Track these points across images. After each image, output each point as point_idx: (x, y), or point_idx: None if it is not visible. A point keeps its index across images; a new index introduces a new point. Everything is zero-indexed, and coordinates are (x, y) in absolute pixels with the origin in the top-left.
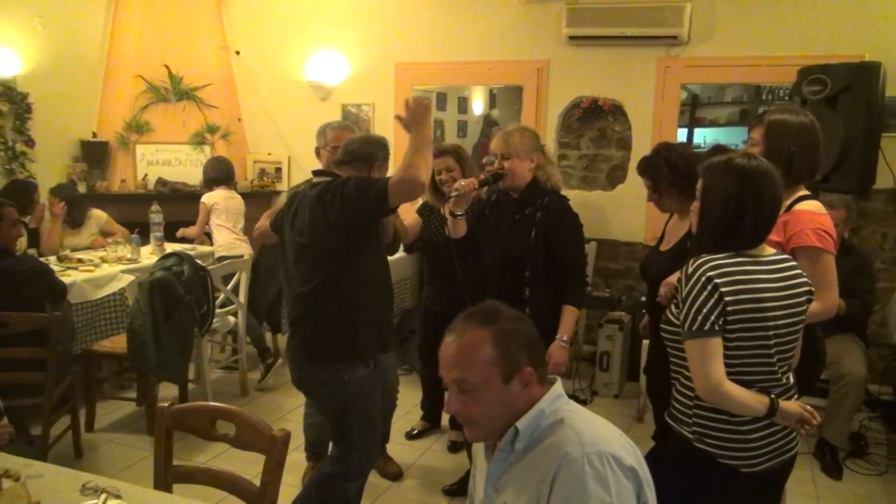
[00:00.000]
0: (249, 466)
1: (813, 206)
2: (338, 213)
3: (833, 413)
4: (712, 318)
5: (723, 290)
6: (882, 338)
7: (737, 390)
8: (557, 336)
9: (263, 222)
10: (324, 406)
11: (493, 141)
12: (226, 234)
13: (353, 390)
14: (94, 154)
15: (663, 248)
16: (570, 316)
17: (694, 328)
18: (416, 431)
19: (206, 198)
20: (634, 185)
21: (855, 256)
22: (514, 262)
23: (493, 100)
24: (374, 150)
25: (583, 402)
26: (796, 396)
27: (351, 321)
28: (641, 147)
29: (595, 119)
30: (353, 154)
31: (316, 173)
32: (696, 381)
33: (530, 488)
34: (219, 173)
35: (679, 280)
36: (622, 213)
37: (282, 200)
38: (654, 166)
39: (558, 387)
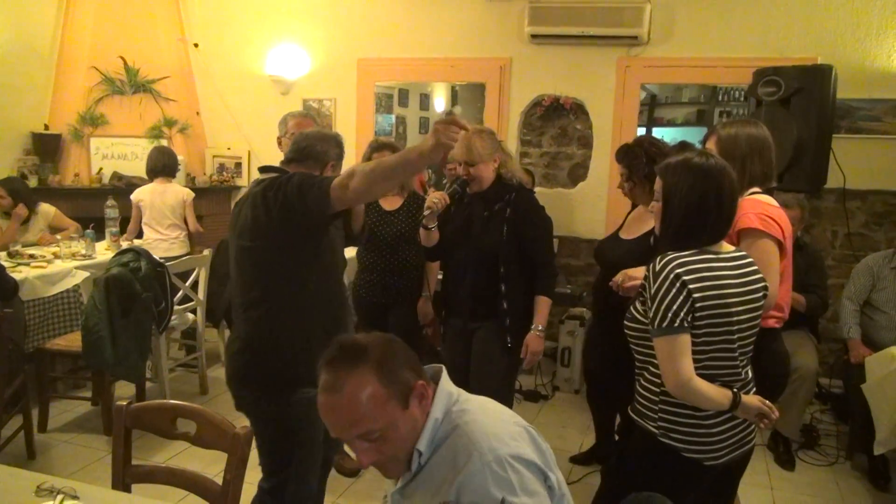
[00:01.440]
0: (211, 465)
1: (761, 197)
2: (279, 212)
3: (786, 406)
4: (681, 314)
5: (691, 286)
6: (832, 333)
7: (705, 385)
8: (533, 326)
9: None
10: (264, 432)
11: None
12: (149, 232)
13: (301, 414)
14: (46, 147)
15: (625, 235)
16: (544, 305)
17: (664, 325)
18: None
19: (134, 195)
20: (595, 183)
21: (807, 254)
22: (488, 259)
23: (455, 97)
24: (327, 148)
25: (544, 398)
26: (754, 390)
27: (300, 338)
28: (602, 145)
29: (557, 117)
30: (303, 151)
31: (262, 170)
32: (666, 377)
33: (437, 499)
34: (154, 164)
35: (646, 278)
36: (583, 210)
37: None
38: (633, 155)
39: (444, 383)
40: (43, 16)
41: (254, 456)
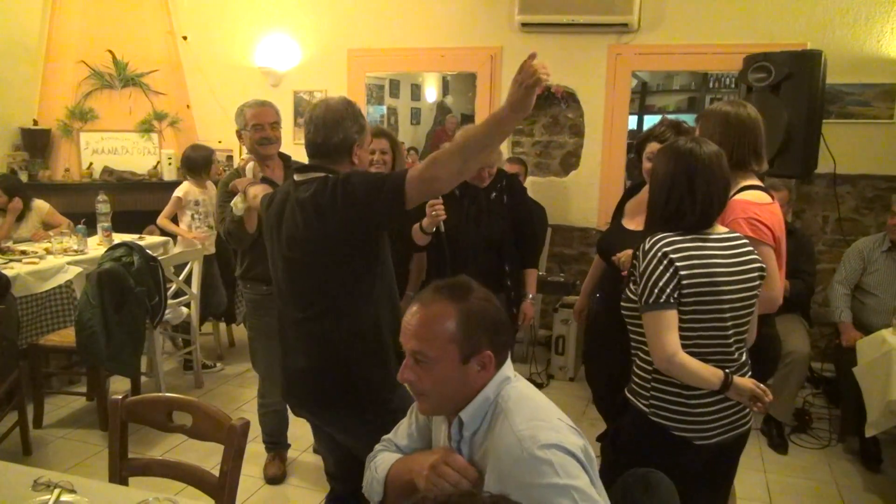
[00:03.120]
0: (207, 458)
1: (751, 195)
2: (341, 219)
3: (779, 390)
4: (668, 290)
5: (678, 264)
6: (824, 317)
7: (692, 362)
8: (530, 296)
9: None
10: (363, 440)
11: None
12: (204, 229)
13: (401, 408)
14: (36, 142)
15: (630, 226)
16: (533, 276)
17: (651, 301)
18: None
19: (182, 191)
20: (587, 171)
21: (797, 239)
22: (494, 243)
23: (446, 87)
24: (345, 131)
25: (539, 386)
26: (749, 374)
27: (374, 343)
28: (594, 134)
29: (548, 106)
30: (322, 148)
31: (299, 169)
32: (653, 351)
33: (490, 479)
34: (194, 162)
35: (635, 256)
36: (576, 199)
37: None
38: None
39: (506, 369)
40: (30, 10)
41: (249, 448)
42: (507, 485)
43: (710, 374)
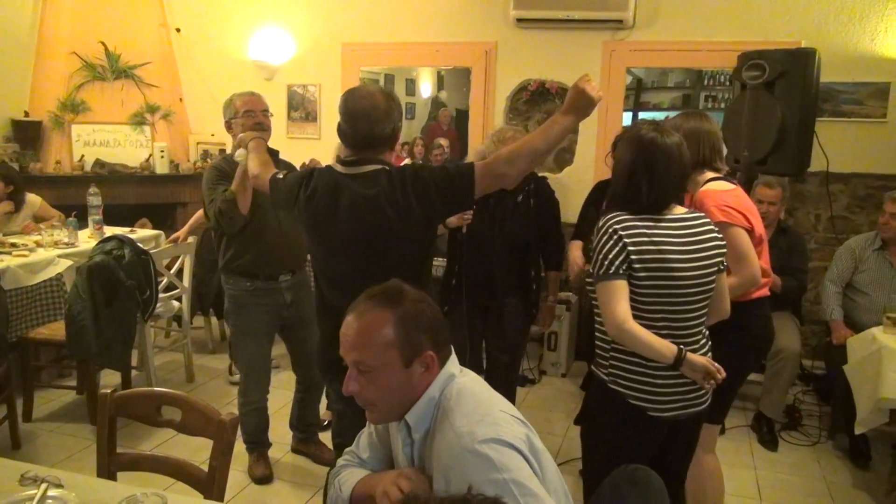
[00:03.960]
0: (197, 453)
1: (715, 185)
2: (415, 212)
3: (769, 387)
4: (617, 262)
5: (626, 240)
6: (815, 315)
7: (642, 331)
8: (551, 297)
9: (259, 171)
10: None
11: (500, 141)
12: None
13: None
14: (27, 134)
15: None
16: (556, 279)
17: (601, 272)
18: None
19: None
20: (581, 168)
21: (790, 237)
22: (517, 245)
23: (441, 82)
24: (393, 122)
25: (531, 382)
26: (710, 354)
27: None
28: (588, 130)
29: (543, 102)
30: (370, 139)
31: (347, 163)
32: (605, 320)
33: (438, 480)
34: None
35: (592, 236)
36: (569, 195)
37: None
38: None
39: (450, 366)
40: (21, 1)
41: (239, 444)
42: (451, 483)
43: (664, 346)
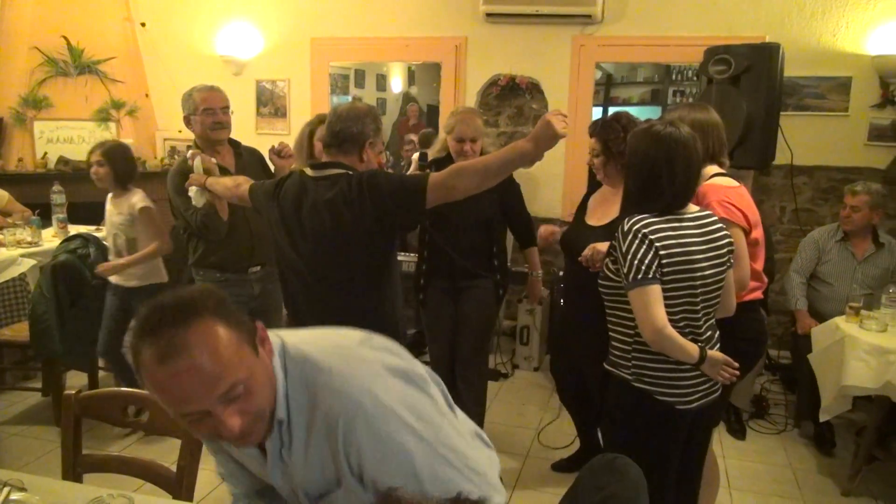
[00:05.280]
0: (166, 455)
1: (721, 180)
2: (368, 214)
3: (737, 378)
4: (653, 267)
5: (657, 244)
6: (781, 305)
7: (678, 336)
8: (534, 273)
9: (239, 191)
10: None
11: (456, 126)
12: None
13: None
14: None
15: (592, 222)
16: (536, 254)
17: (638, 277)
18: None
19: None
20: (552, 163)
21: None
22: (480, 224)
23: (412, 77)
24: (362, 126)
25: (504, 377)
26: (718, 347)
27: (396, 322)
28: None
29: (513, 97)
30: (339, 136)
31: (316, 166)
32: (642, 326)
33: (326, 462)
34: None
35: (616, 238)
36: (540, 189)
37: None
38: (611, 129)
39: (269, 334)
40: None
41: None
42: (365, 452)
43: (692, 348)
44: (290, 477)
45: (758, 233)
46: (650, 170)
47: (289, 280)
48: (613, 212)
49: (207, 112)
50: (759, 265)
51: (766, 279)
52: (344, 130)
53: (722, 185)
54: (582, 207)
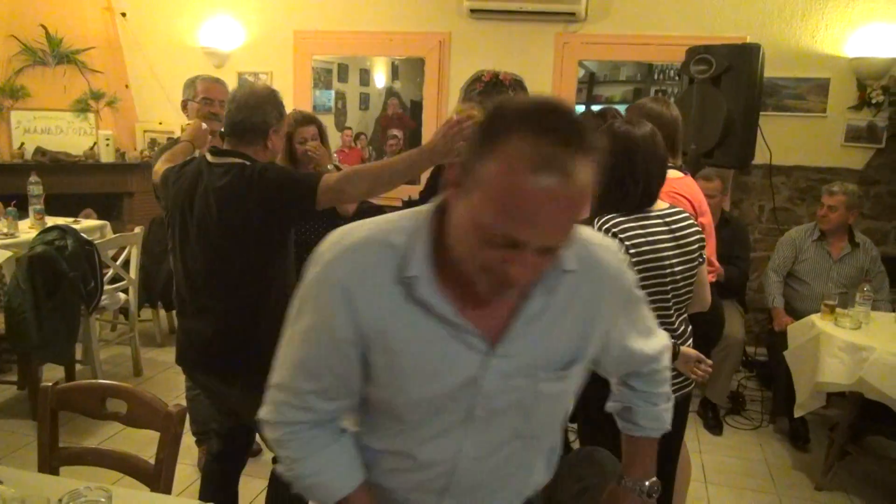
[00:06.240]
0: (144, 448)
1: (669, 173)
2: (255, 208)
3: (714, 374)
4: None
5: (627, 243)
6: (759, 303)
7: None
8: None
9: (159, 168)
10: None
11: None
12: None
13: None
14: None
15: None
16: None
17: None
18: None
19: None
20: None
21: (733, 227)
22: None
23: (395, 72)
24: (264, 115)
25: None
26: (690, 343)
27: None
28: None
29: (497, 93)
30: (240, 126)
31: (216, 153)
32: None
33: (577, 329)
34: None
35: None
36: None
37: (178, 150)
38: (603, 122)
39: None
40: None
41: (188, 437)
42: (618, 309)
43: None
44: (528, 349)
45: (705, 220)
46: (612, 170)
47: (176, 266)
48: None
49: (206, 101)
50: (710, 252)
51: (718, 265)
52: (245, 121)
53: (668, 178)
54: None
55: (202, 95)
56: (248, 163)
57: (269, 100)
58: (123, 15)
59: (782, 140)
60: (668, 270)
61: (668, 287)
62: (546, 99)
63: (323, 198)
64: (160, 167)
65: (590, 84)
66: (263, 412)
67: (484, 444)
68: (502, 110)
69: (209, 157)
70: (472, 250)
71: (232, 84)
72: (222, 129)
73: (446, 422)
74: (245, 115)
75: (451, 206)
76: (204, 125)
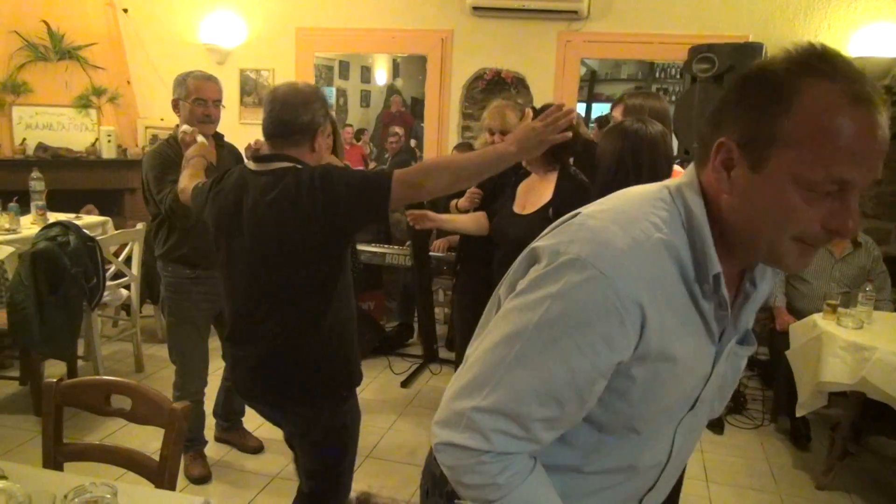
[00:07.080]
0: (148, 444)
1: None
2: (322, 218)
3: None
4: None
5: None
6: None
7: None
8: None
9: (187, 185)
10: (319, 448)
11: (486, 118)
12: None
13: (352, 420)
14: None
15: (521, 210)
16: None
17: None
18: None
19: None
20: None
21: None
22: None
23: (396, 69)
24: (313, 114)
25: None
26: None
27: (345, 349)
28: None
29: (498, 91)
30: (288, 126)
31: (259, 159)
32: None
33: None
34: None
35: None
36: None
37: (198, 165)
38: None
39: None
40: None
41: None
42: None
43: None
44: (739, 328)
45: None
46: (617, 164)
47: (226, 288)
48: (541, 200)
49: (198, 102)
50: None
51: None
52: (293, 121)
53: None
54: (510, 197)
55: (194, 95)
56: (298, 166)
57: (317, 97)
58: (125, 11)
59: None
60: None
61: None
62: (820, 46)
63: (398, 194)
64: (187, 184)
65: (591, 82)
66: (462, 439)
67: (690, 433)
68: (774, 66)
69: (252, 165)
70: (784, 224)
71: (226, 81)
72: (216, 131)
73: (673, 420)
74: (292, 114)
75: (728, 193)
76: (200, 137)
